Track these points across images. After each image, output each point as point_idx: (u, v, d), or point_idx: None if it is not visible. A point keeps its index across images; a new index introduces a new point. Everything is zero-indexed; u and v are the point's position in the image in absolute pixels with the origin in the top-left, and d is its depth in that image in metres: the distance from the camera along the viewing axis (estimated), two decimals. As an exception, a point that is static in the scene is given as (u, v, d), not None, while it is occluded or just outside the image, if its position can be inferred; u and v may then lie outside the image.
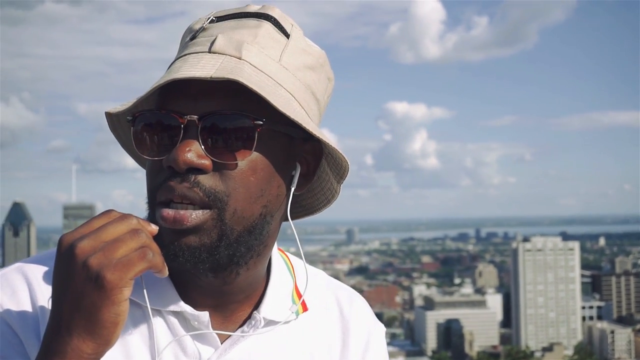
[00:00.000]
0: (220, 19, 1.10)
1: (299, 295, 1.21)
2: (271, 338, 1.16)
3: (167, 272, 0.98)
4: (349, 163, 1.11)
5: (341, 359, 1.25)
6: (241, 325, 1.13)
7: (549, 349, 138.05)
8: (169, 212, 1.00)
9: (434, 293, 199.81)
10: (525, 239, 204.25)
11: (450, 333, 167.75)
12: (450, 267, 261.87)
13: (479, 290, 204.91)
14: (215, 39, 1.05)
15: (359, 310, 1.30)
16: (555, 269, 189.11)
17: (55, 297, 0.93)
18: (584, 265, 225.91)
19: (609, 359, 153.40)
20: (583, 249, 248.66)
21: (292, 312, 1.18)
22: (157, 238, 0.99)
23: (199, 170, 1.00)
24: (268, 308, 1.15)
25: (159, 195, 1.01)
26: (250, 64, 1.04)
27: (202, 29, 1.09)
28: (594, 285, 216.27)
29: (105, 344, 0.91)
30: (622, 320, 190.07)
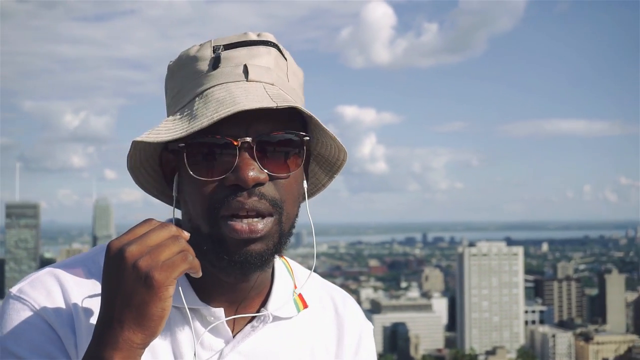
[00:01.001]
0: (228, 47, 1.19)
1: (300, 296, 1.35)
2: (277, 331, 1.30)
3: (201, 273, 1.11)
4: (346, 153, 1.28)
5: (337, 351, 1.39)
6: (250, 321, 1.27)
7: (492, 352, 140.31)
8: (242, 226, 1.13)
9: (380, 296, 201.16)
10: (471, 244, 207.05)
11: (397, 336, 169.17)
12: (397, 271, 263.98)
13: (425, 294, 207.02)
14: (247, 68, 1.17)
15: (352, 310, 1.44)
16: (499, 274, 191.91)
17: (106, 294, 1.05)
18: (528, 270, 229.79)
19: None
20: (527, 254, 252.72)
21: (295, 309, 1.33)
22: (218, 246, 1.15)
23: (260, 184, 1.15)
24: (274, 305, 1.29)
25: (226, 210, 1.13)
26: (280, 88, 1.20)
27: (221, 58, 1.18)
28: (536, 290, 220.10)
29: (152, 334, 1.04)
30: (563, 325, 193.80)
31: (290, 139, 1.18)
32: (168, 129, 1.15)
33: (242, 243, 1.14)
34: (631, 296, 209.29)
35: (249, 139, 1.14)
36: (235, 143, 1.13)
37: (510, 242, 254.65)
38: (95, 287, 1.21)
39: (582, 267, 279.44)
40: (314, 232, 1.28)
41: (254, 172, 1.13)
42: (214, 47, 1.19)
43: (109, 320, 1.04)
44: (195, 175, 1.15)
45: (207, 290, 1.25)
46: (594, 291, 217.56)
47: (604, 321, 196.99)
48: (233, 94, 1.13)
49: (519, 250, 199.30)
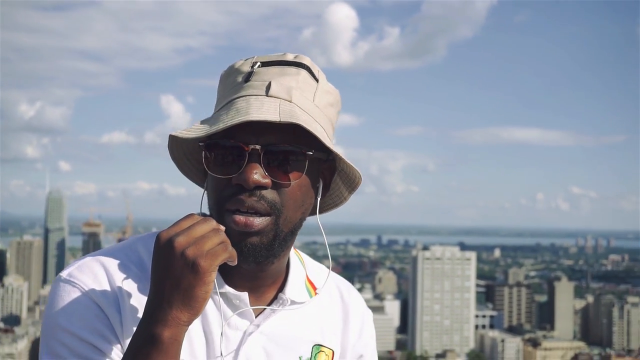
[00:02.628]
0: (265, 64, 1.39)
1: (310, 281, 1.55)
2: (292, 314, 1.49)
3: (237, 261, 1.30)
4: (361, 177, 1.46)
5: (343, 333, 1.58)
6: (269, 304, 1.45)
7: (442, 355, 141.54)
8: (240, 218, 1.31)
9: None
10: (425, 248, 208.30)
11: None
12: (351, 272, 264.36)
13: (378, 296, 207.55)
14: (270, 84, 1.35)
15: (355, 297, 1.64)
16: (452, 278, 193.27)
17: (156, 279, 1.22)
18: (479, 275, 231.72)
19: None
20: (479, 260, 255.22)
21: (307, 295, 1.53)
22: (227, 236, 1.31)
23: (262, 187, 1.32)
24: (291, 290, 1.48)
25: (230, 205, 1.32)
26: (298, 105, 1.36)
27: (253, 73, 1.37)
28: (487, 295, 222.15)
29: (196, 314, 1.22)
30: (513, 330, 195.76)
31: (294, 151, 1.34)
32: (197, 128, 1.33)
33: (240, 235, 1.31)
34: (579, 304, 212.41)
35: (258, 147, 1.30)
36: (246, 149, 1.30)
37: (463, 247, 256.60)
38: (135, 272, 1.38)
39: (532, 273, 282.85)
40: (325, 235, 1.51)
41: (257, 176, 1.30)
42: (253, 62, 1.38)
43: (159, 301, 1.20)
44: (210, 172, 1.34)
45: (231, 276, 1.42)
46: (543, 298, 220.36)
47: (552, 327, 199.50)
48: (250, 106, 1.30)
49: (472, 255, 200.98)
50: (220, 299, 1.42)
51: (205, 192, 1.42)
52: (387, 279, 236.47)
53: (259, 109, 1.30)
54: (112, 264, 1.38)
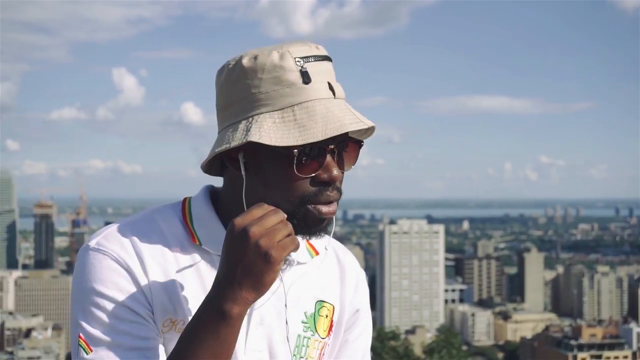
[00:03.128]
0: (305, 59, 1.46)
1: (310, 244, 1.68)
2: (297, 273, 1.62)
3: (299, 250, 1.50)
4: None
5: (341, 291, 1.71)
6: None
7: (411, 331, 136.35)
8: (328, 209, 1.47)
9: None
10: (392, 222, 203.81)
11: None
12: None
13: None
14: (331, 87, 1.47)
15: (350, 258, 1.77)
16: (420, 252, 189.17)
17: (229, 262, 1.34)
18: (448, 249, 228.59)
19: (469, 342, 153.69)
20: (447, 233, 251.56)
21: (309, 256, 1.67)
22: (299, 221, 1.46)
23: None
24: (296, 252, 1.59)
25: (316, 199, 1.45)
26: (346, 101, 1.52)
27: (308, 74, 1.45)
28: (456, 269, 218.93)
29: (261, 295, 1.35)
30: (483, 303, 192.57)
31: (356, 145, 1.53)
32: (280, 134, 1.41)
33: (322, 221, 1.48)
34: (549, 275, 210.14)
35: (332, 146, 1.45)
36: (327, 149, 1.44)
37: (431, 220, 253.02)
38: (155, 240, 1.51)
39: (501, 245, 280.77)
40: None
41: (337, 171, 1.46)
42: (295, 59, 1.45)
43: (230, 281, 1.33)
44: (298, 173, 1.43)
45: None
46: (513, 270, 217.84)
47: (522, 300, 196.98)
48: (333, 112, 1.43)
49: (440, 228, 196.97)
50: None
51: (257, 183, 1.49)
52: (354, 255, 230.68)
53: (343, 115, 1.43)
54: (136, 233, 1.50)
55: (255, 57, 1.46)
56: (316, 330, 1.64)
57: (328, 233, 1.55)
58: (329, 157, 1.45)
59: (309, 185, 1.45)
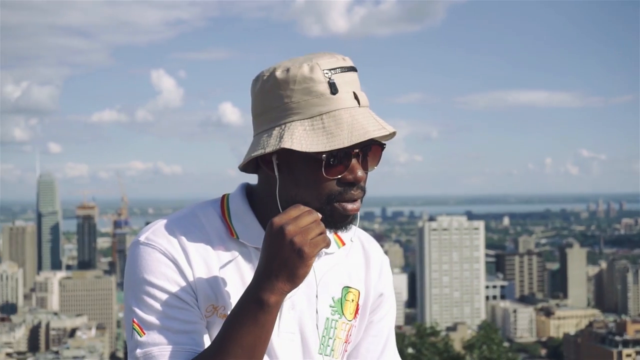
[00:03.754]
0: (333, 71, 1.62)
1: (337, 235, 1.82)
2: (326, 262, 1.78)
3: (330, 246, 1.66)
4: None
5: (366, 276, 1.87)
6: None
7: (452, 328, 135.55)
8: (353, 207, 1.63)
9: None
10: (431, 218, 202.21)
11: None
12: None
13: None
14: (357, 96, 1.62)
15: (375, 246, 1.92)
16: (460, 249, 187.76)
17: (268, 256, 1.52)
18: (488, 245, 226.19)
19: (511, 338, 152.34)
20: (487, 229, 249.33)
21: (336, 246, 1.82)
22: (326, 217, 1.62)
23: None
24: None
25: (341, 198, 1.61)
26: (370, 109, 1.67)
27: (335, 85, 1.60)
28: (497, 265, 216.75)
29: (296, 286, 1.53)
30: (525, 300, 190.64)
31: (379, 148, 1.67)
32: (310, 140, 1.58)
33: (347, 217, 1.64)
34: (592, 270, 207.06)
35: (357, 150, 1.61)
36: (352, 153, 1.60)
37: (471, 216, 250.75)
38: (198, 235, 1.67)
39: (543, 241, 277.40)
40: None
41: (361, 172, 1.61)
42: (323, 71, 1.60)
43: (268, 274, 1.51)
44: (326, 175, 1.59)
45: None
46: (555, 265, 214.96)
47: (565, 295, 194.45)
48: (358, 120, 1.58)
49: (480, 224, 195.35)
50: None
51: (288, 182, 1.64)
52: (393, 252, 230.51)
53: (367, 122, 1.59)
54: (180, 228, 1.67)
55: (288, 70, 1.61)
56: (343, 314, 1.79)
57: (353, 224, 1.69)
58: (354, 160, 1.61)
59: (335, 186, 1.61)
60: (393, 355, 1.94)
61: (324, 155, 1.58)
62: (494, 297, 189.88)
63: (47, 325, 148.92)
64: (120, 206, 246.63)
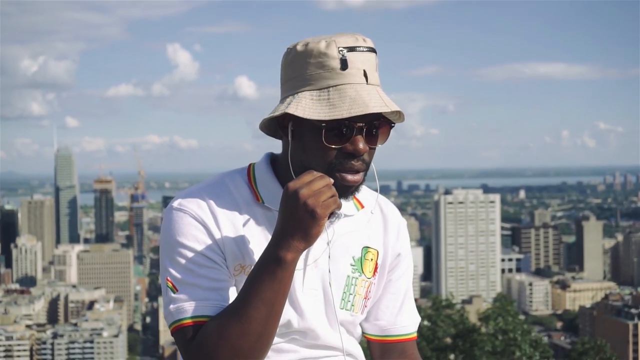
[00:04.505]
0: (349, 49, 1.72)
1: (356, 199, 1.95)
2: (345, 224, 1.92)
3: (341, 209, 1.75)
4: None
5: (384, 237, 1.99)
6: (329, 218, 1.75)
7: (468, 301, 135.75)
8: (351, 178, 1.74)
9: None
10: (447, 192, 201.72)
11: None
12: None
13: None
14: (366, 74, 1.72)
15: (393, 209, 2.05)
16: (476, 222, 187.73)
17: (284, 218, 1.66)
18: (504, 218, 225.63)
19: (526, 311, 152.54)
20: (503, 202, 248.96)
21: (355, 209, 1.95)
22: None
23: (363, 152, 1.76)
24: (344, 206, 1.88)
25: (342, 167, 1.73)
26: (381, 88, 1.77)
27: (347, 60, 1.71)
28: (513, 238, 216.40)
29: (310, 245, 1.67)
30: (540, 273, 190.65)
31: (386, 125, 1.78)
32: (313, 109, 1.70)
33: (347, 187, 1.76)
34: (608, 243, 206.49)
35: (361, 124, 1.71)
36: (355, 126, 1.71)
37: (486, 189, 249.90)
38: (227, 201, 1.82)
39: (559, 214, 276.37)
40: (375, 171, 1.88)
41: (363, 145, 1.72)
42: (339, 48, 1.71)
43: (284, 233, 1.65)
44: (326, 144, 1.71)
45: None
46: (571, 238, 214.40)
47: (581, 268, 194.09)
48: (362, 95, 1.69)
49: (496, 197, 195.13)
50: None
51: (298, 148, 1.78)
52: (409, 226, 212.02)
53: (370, 98, 1.69)
54: (210, 194, 1.82)
55: (307, 44, 1.74)
56: (363, 272, 1.93)
57: (356, 193, 1.82)
58: (357, 133, 1.72)
59: (336, 156, 1.73)
60: (411, 311, 2.06)
61: (323, 124, 1.70)
62: (510, 270, 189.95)
63: (66, 297, 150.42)
64: (137, 180, 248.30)
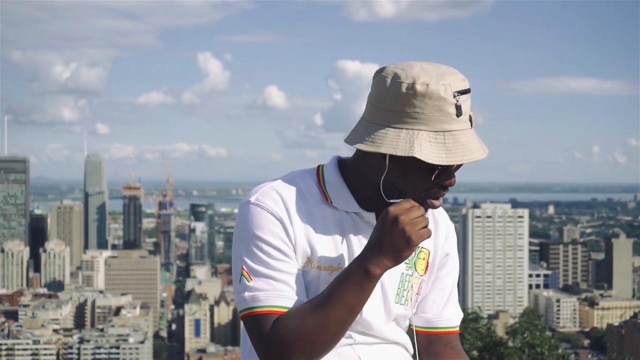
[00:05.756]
0: (459, 93, 1.83)
1: None
2: None
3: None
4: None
5: (435, 238, 2.12)
6: None
7: (495, 316, 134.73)
8: (440, 202, 1.92)
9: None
10: (475, 205, 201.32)
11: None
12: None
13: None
14: (471, 119, 1.86)
15: (442, 212, 2.17)
16: (504, 236, 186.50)
17: (380, 236, 1.78)
18: (533, 233, 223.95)
19: (553, 328, 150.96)
20: (532, 217, 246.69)
21: None
22: None
23: None
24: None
25: (433, 195, 1.88)
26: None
27: (461, 108, 1.82)
28: (541, 254, 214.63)
29: (398, 264, 1.81)
30: (568, 289, 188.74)
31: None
32: (432, 152, 1.80)
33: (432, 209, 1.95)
34: (638, 261, 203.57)
35: (454, 165, 1.83)
36: (455, 166, 1.85)
37: (515, 204, 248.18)
38: (299, 198, 1.93)
39: (588, 230, 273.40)
40: None
41: (455, 179, 1.89)
42: (454, 93, 1.82)
43: (377, 250, 1.78)
44: (434, 181, 1.86)
45: (366, 203, 1.98)
46: (600, 256, 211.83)
47: (609, 286, 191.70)
48: (470, 142, 1.83)
49: (525, 212, 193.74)
50: (358, 217, 1.99)
51: (396, 174, 1.87)
52: None
53: (475, 147, 1.83)
54: (284, 192, 1.93)
55: (427, 85, 1.81)
56: (415, 269, 2.06)
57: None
58: (455, 170, 1.88)
59: (432, 184, 1.87)
60: (455, 306, 2.19)
61: (440, 167, 1.83)
62: (537, 286, 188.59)
63: (93, 303, 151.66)
64: (165, 187, 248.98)
